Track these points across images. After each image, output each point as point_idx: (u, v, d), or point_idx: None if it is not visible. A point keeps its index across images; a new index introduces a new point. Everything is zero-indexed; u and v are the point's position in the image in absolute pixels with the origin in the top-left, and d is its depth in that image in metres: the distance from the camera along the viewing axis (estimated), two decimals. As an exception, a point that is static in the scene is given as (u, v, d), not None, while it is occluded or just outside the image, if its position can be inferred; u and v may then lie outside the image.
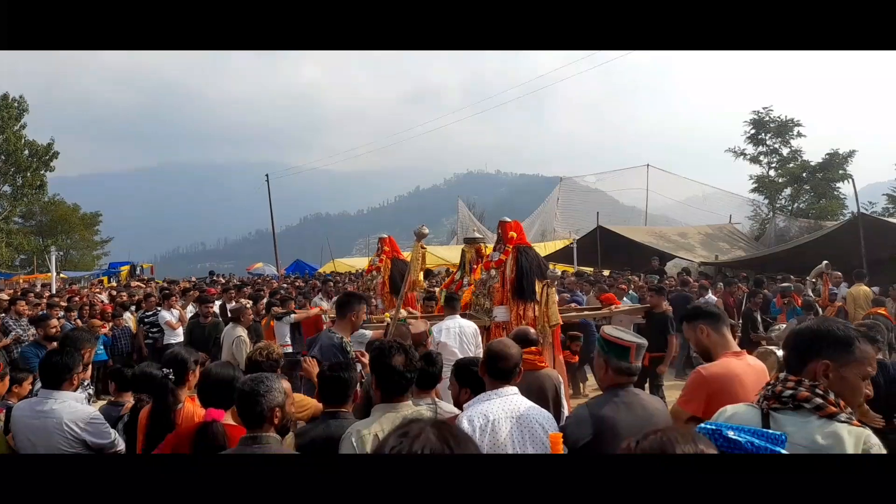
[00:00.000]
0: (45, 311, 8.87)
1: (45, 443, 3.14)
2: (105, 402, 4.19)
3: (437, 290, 9.18)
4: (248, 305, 7.40)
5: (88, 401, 4.16)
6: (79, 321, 9.42)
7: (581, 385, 8.73)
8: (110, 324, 9.65)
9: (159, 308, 9.81)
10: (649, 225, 23.36)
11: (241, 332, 6.57)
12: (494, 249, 6.98)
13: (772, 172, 26.52)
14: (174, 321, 9.41)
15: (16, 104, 35.20)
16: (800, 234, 19.44)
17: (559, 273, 17.47)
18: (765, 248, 19.55)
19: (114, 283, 23.88)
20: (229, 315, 7.91)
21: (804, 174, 24.99)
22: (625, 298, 9.60)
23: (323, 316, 8.10)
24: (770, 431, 1.30)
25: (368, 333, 4.84)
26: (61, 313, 9.24)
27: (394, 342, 2.80)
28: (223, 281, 19.87)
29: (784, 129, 25.87)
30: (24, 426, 3.20)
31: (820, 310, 8.40)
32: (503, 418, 2.64)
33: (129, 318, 10.17)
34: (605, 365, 2.63)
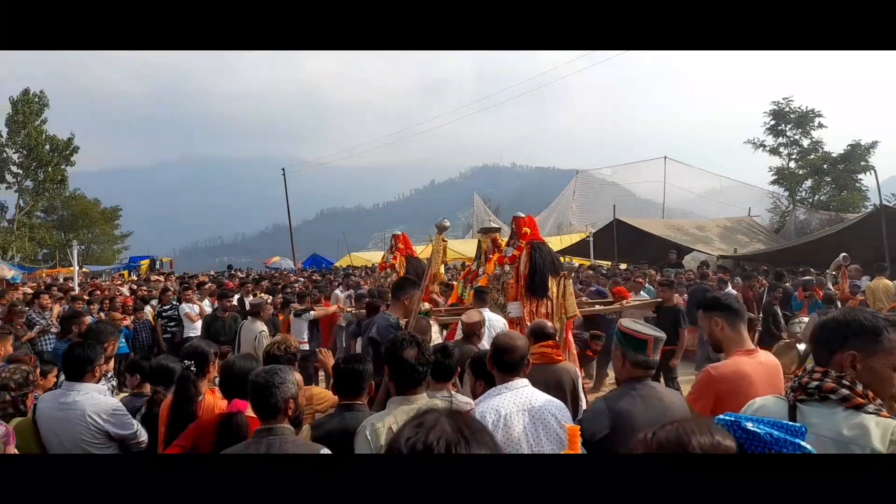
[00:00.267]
0: (69, 306, 9.05)
1: (68, 434, 3.19)
2: (127, 393, 4.25)
3: (454, 282, 9.16)
4: (268, 300, 7.46)
5: (112, 392, 4.22)
6: (101, 314, 9.58)
7: (604, 380, 8.67)
8: (131, 317, 9.80)
9: (175, 302, 9.95)
10: (667, 218, 23.13)
11: (262, 326, 6.63)
12: (508, 245, 6.96)
13: (792, 164, 26.14)
14: (194, 314, 9.54)
15: (36, 99, 35.63)
16: (820, 226, 19.16)
17: (576, 265, 17.39)
18: (785, 241, 19.28)
19: (134, 277, 24.22)
20: (248, 309, 7.99)
21: (825, 166, 24.61)
22: (642, 292, 9.53)
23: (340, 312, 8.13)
24: (790, 423, 1.28)
25: None
26: (84, 307, 9.41)
27: (406, 335, 2.81)
28: (241, 275, 20.05)
29: (805, 119, 25.47)
30: (48, 418, 3.25)
31: (839, 304, 8.29)
32: (515, 412, 2.64)
33: (149, 312, 10.32)
34: (623, 358, 2.61)
